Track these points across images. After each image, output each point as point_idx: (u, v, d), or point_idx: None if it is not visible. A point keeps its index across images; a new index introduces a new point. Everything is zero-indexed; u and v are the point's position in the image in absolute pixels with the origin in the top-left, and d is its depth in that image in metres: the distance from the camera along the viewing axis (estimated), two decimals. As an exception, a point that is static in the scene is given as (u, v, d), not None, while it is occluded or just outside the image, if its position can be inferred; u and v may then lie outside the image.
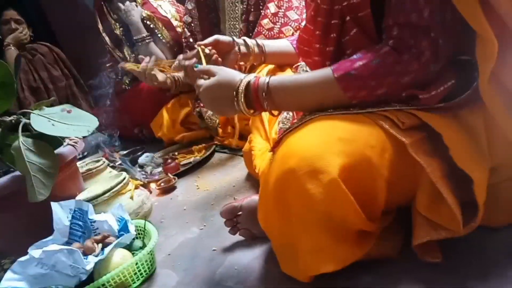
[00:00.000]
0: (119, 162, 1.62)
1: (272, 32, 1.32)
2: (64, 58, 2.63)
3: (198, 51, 0.97)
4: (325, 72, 0.67)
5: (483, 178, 0.58)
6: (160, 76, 1.56)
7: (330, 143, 0.59)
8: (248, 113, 0.75)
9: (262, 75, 1.13)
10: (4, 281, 0.74)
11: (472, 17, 0.55)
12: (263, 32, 1.33)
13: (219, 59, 1.03)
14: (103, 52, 2.36)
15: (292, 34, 1.33)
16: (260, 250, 0.81)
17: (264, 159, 0.98)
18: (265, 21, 1.34)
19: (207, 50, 0.98)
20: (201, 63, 0.93)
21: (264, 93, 0.70)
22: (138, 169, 1.60)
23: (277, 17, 1.32)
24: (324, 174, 0.56)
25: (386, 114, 0.62)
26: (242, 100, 0.72)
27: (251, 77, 0.73)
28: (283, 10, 1.34)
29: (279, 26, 1.32)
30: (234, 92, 0.72)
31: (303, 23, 1.34)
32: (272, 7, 1.36)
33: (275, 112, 0.77)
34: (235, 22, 1.58)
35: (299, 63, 1.06)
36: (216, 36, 1.02)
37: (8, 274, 0.75)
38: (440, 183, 0.56)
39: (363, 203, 0.58)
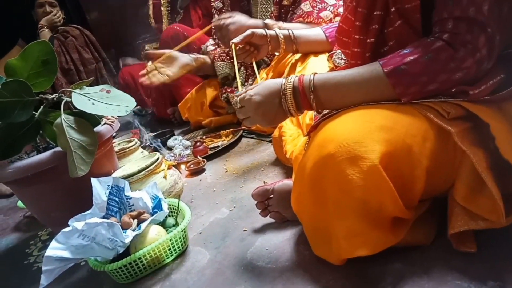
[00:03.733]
0: (149, 143, 1.66)
1: (311, 17, 1.31)
2: (94, 41, 2.68)
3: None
4: (373, 67, 0.65)
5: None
6: (170, 73, 1.58)
7: (370, 130, 0.59)
8: (296, 113, 0.74)
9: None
10: (49, 249, 0.78)
11: None
12: (303, 15, 1.33)
13: (255, 51, 1.05)
14: (132, 36, 2.41)
15: (331, 20, 1.32)
16: (290, 233, 0.82)
17: (295, 144, 0.99)
18: (306, 5, 1.34)
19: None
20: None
21: (311, 91, 0.69)
22: (167, 151, 1.64)
23: (316, 2, 1.32)
24: (364, 161, 0.56)
25: (430, 104, 0.61)
26: (290, 99, 0.71)
27: (293, 77, 0.72)
28: None
29: (317, 11, 1.31)
30: (281, 93, 0.72)
31: (340, 9, 1.34)
32: None
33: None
34: (267, 5, 1.59)
35: (334, 51, 1.06)
36: (251, 30, 1.03)
37: (53, 243, 0.79)
38: (485, 173, 0.55)
39: (401, 190, 0.59)
